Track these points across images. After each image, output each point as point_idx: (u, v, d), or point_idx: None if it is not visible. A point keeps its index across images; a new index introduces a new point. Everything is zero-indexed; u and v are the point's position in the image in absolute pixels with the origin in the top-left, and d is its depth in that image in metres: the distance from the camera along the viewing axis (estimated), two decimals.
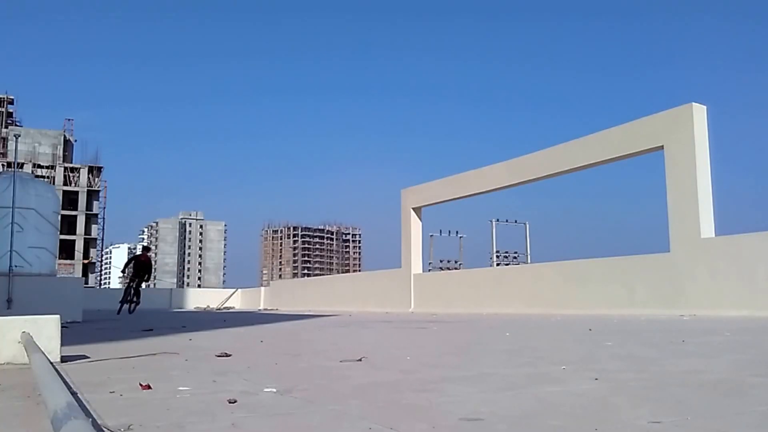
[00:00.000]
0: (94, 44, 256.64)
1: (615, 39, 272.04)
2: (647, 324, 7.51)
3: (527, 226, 55.26)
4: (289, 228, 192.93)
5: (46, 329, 3.60)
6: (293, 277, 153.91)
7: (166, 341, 5.71)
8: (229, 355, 3.95)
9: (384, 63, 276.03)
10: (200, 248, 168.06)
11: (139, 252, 17.30)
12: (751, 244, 9.81)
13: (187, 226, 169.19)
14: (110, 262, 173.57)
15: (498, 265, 48.36)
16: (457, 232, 58.06)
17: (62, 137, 66.45)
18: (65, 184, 63.24)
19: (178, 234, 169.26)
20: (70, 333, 5.80)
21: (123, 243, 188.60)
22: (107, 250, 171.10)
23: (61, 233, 21.58)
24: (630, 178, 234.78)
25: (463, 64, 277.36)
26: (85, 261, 62.90)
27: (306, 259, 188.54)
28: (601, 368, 3.10)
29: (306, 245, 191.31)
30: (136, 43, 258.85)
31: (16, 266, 11.30)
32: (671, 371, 3.00)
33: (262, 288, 34.00)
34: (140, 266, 16.26)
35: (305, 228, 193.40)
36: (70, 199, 60.80)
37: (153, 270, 17.44)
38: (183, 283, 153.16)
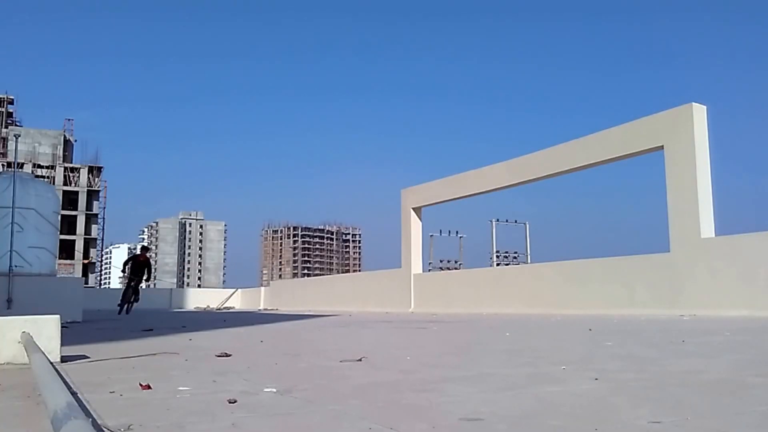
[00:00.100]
0: (94, 44, 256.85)
1: (615, 39, 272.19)
2: (647, 324, 7.51)
3: (527, 226, 55.34)
4: (289, 228, 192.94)
5: (46, 329, 3.60)
6: (293, 277, 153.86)
7: (166, 341, 5.71)
8: (229, 355, 3.95)
9: (384, 63, 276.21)
10: (200, 248, 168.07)
11: (138, 252, 17.31)
12: (751, 244, 9.80)
13: (187, 226, 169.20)
14: (110, 262, 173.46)
15: (498, 265, 48.35)
16: (457, 232, 58.14)
17: (62, 137, 66.46)
18: (65, 184, 63.25)
19: (178, 234, 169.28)
20: (70, 333, 5.80)
21: (123, 243, 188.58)
22: (107, 250, 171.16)
23: (61, 233, 21.58)
24: (630, 178, 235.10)
25: (463, 64, 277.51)
26: (85, 261, 62.92)
27: (306, 259, 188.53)
28: (601, 368, 3.10)
29: (306, 245, 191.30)
30: (136, 43, 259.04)
31: (16, 266, 11.29)
32: (671, 371, 3.00)
33: (262, 288, 33.99)
34: (138, 266, 16.28)
35: (305, 228, 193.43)
36: (70, 199, 60.81)
37: (153, 270, 17.46)
38: (183, 283, 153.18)
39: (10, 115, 66.01)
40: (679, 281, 10.48)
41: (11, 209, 11.39)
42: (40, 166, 62.62)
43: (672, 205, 10.79)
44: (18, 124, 65.53)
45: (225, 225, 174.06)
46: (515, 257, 56.08)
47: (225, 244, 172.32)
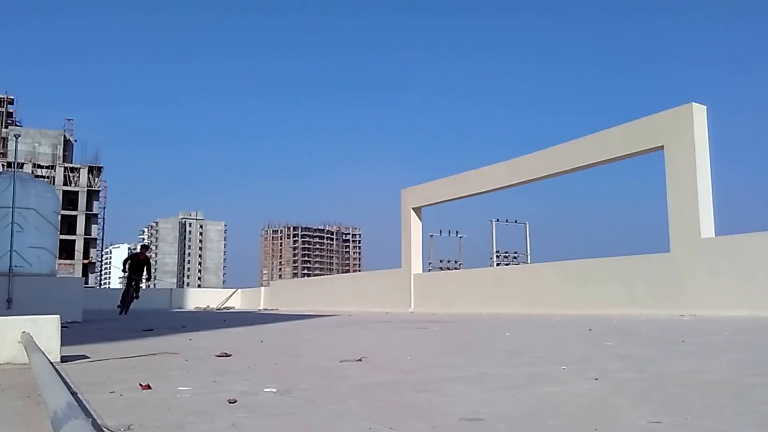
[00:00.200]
0: (94, 44, 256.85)
1: (615, 39, 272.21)
2: (647, 324, 7.51)
3: (527, 226, 55.28)
4: (289, 228, 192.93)
5: (46, 329, 3.60)
6: (293, 277, 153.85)
7: (166, 341, 5.71)
8: (229, 355, 3.95)
9: (384, 63, 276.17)
10: (200, 248, 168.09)
11: (138, 251, 17.30)
12: (751, 244, 9.80)
13: (187, 226, 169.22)
14: (110, 262, 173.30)
15: (498, 265, 48.34)
16: (457, 232, 58.09)
17: (62, 137, 66.46)
18: (65, 184, 63.25)
19: (178, 234, 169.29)
20: (70, 333, 5.80)
21: (123, 243, 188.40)
22: (107, 250, 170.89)
23: (61, 233, 21.57)
24: (630, 178, 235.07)
25: (463, 64, 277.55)
26: (85, 261, 62.92)
27: (306, 259, 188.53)
28: (601, 368, 3.10)
29: (306, 245, 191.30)
30: (136, 43, 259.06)
31: (16, 266, 11.29)
32: (671, 371, 3.00)
33: (262, 288, 33.98)
34: (138, 264, 16.26)
35: (305, 228, 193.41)
36: (70, 199, 60.81)
37: (153, 269, 17.44)
38: (183, 283, 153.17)
39: (10, 115, 66.02)
40: (679, 281, 10.48)
41: (11, 209, 11.39)
42: (40, 166, 62.62)
43: (672, 205, 10.79)
44: (18, 124, 65.55)
45: (225, 225, 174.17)
46: (515, 257, 56.06)
47: (225, 244, 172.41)
